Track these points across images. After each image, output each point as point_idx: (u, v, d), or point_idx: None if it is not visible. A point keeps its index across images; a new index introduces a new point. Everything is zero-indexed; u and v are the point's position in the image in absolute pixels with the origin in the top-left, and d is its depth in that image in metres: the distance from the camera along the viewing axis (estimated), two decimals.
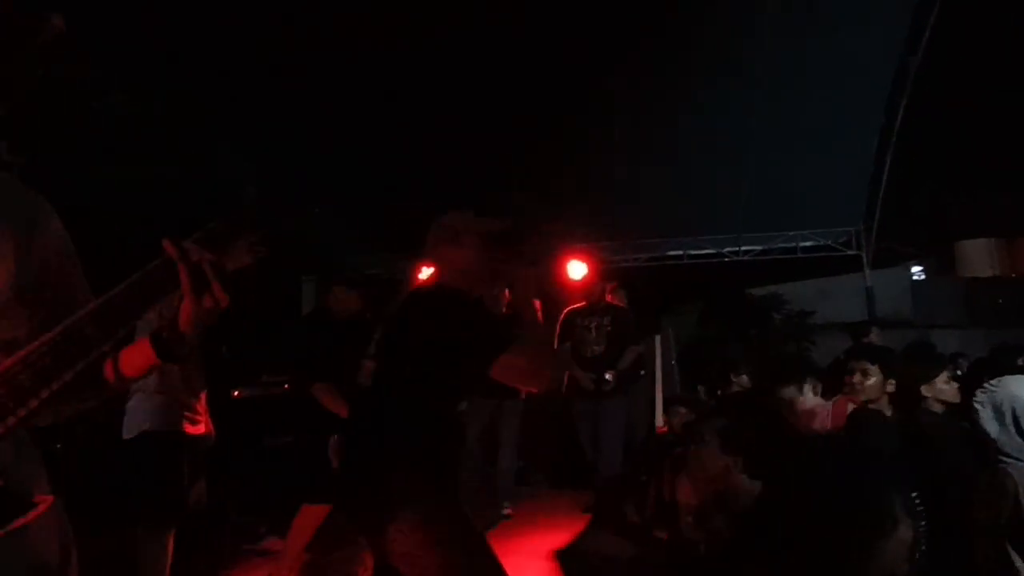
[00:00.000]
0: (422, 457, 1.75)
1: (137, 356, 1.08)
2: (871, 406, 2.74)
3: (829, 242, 6.88)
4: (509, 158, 5.74)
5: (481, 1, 4.44)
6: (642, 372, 5.51)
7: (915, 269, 14.22)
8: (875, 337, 5.07)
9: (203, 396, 3.07)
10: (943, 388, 2.87)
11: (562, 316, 4.99)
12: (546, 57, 4.86)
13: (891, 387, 2.75)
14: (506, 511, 4.67)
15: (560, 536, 4.25)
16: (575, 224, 6.18)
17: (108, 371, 1.08)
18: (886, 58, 4.96)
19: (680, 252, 7.07)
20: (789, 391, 2.98)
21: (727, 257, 7.02)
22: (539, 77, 5.04)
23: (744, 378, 4.33)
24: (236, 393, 5.53)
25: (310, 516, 3.35)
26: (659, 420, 6.06)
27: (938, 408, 2.93)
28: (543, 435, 5.93)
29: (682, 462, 3.65)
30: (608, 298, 5.12)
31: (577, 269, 5.52)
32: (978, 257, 11.18)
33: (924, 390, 2.85)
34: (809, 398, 2.95)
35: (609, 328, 4.78)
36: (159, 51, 4.45)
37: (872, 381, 2.74)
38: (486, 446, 4.72)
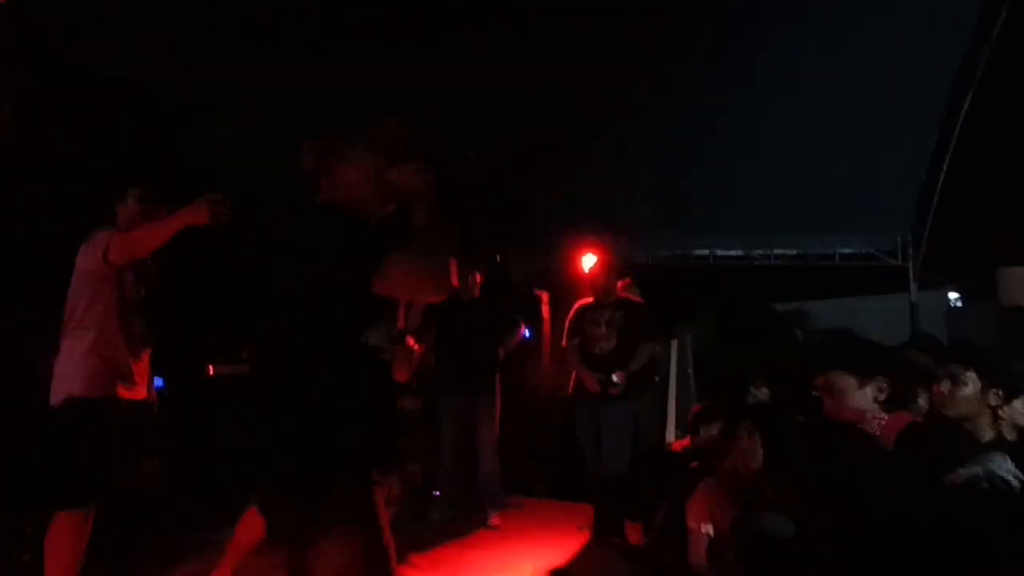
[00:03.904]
0: (357, 436, 1.46)
1: None
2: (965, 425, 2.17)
3: (872, 250, 6.28)
4: (526, 141, 5.38)
5: None
6: (656, 378, 5.04)
7: (952, 295, 13.45)
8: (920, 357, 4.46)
9: (146, 357, 2.73)
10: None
11: (572, 311, 4.54)
12: (571, 42, 4.52)
13: (996, 399, 2.11)
14: (492, 521, 4.18)
15: (552, 554, 3.76)
16: (592, 213, 5.73)
17: None
18: (952, 42, 4.40)
19: (706, 252, 6.53)
20: (845, 379, 2.30)
21: (757, 260, 6.47)
22: (564, 60, 4.69)
23: (764, 391, 3.85)
24: (212, 369, 5.17)
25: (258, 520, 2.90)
26: (670, 433, 5.55)
27: (1012, 435, 2.44)
28: (544, 439, 5.48)
29: (697, 479, 3.16)
30: (620, 293, 4.67)
31: (588, 261, 5.12)
32: (1022, 286, 10.51)
33: (1000, 412, 2.36)
34: (865, 399, 2.28)
35: (621, 324, 4.29)
36: (165, 44, 4.20)
37: (967, 391, 2.14)
38: (463, 448, 4.26)
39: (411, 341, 3.87)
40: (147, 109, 4.53)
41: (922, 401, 2.57)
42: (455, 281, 1.51)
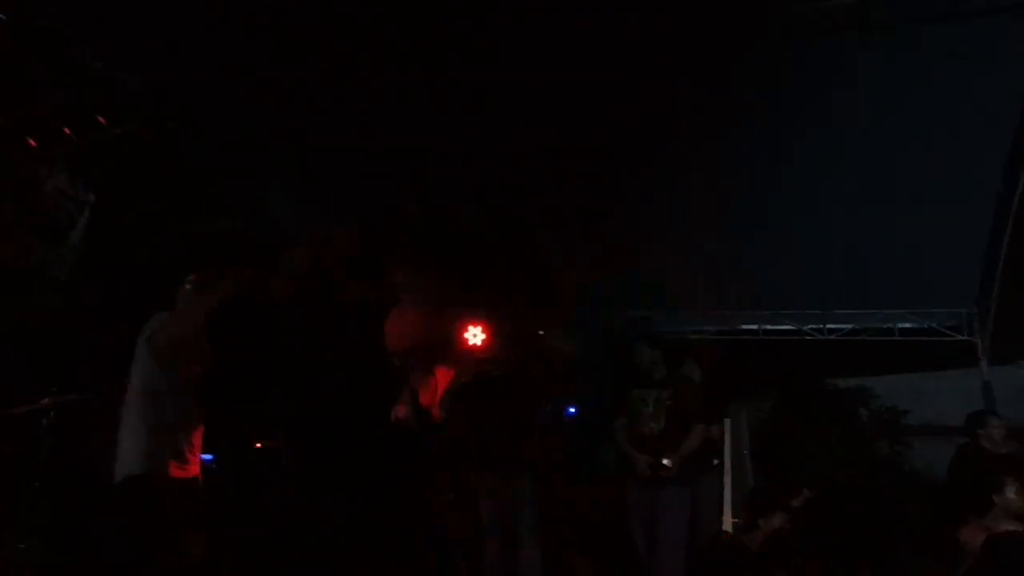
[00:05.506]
0: None
1: None
2: None
3: (933, 324, 5.93)
4: (573, 213, 5.39)
5: (557, 50, 4.21)
6: (715, 461, 4.76)
7: None
8: (995, 432, 3.98)
9: (197, 436, 2.78)
10: None
11: (617, 388, 4.37)
12: (620, 113, 4.57)
13: None
14: None
15: None
16: (635, 287, 5.64)
17: None
18: (1011, 101, 4.28)
19: (755, 327, 6.29)
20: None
21: (809, 335, 6.18)
22: (612, 133, 4.75)
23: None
24: (259, 444, 5.14)
25: None
26: (727, 521, 5.18)
27: None
28: (592, 521, 5.16)
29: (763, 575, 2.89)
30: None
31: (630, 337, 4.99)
32: None
33: None
34: (1011, 499, 2.01)
35: (669, 402, 4.07)
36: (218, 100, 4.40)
37: None
38: (502, 529, 4.05)
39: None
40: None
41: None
42: (448, 323, 1.59)
